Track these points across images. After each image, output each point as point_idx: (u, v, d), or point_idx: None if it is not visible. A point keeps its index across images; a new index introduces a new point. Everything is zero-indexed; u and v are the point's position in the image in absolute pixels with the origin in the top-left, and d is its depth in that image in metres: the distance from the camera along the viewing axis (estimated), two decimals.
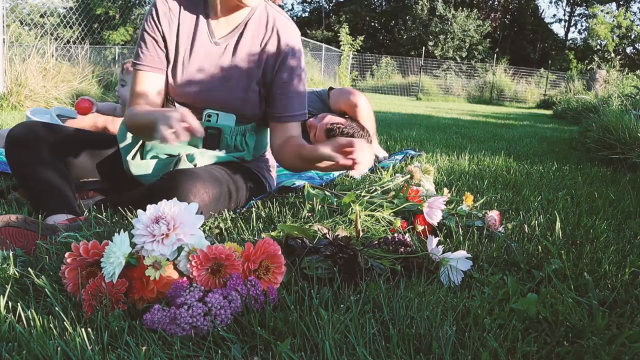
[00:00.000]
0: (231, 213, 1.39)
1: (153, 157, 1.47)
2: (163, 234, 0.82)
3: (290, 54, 1.45)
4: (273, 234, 1.12)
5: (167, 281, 0.80)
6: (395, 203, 1.33)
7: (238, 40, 1.43)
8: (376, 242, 1.07)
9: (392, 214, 1.31)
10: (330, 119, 2.36)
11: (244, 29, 1.43)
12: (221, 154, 1.48)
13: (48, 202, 1.28)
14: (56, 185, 1.31)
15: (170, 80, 1.44)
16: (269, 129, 1.55)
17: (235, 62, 1.43)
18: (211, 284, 0.82)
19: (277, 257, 0.87)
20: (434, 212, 1.26)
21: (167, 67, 1.43)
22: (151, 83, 1.42)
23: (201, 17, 1.42)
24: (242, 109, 1.46)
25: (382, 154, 2.63)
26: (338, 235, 1.07)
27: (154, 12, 1.40)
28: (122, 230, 0.84)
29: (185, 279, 0.83)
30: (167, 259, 0.82)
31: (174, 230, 0.82)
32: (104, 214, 1.32)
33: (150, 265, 0.79)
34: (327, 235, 1.06)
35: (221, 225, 1.27)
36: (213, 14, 1.41)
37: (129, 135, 1.50)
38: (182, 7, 1.41)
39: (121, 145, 1.49)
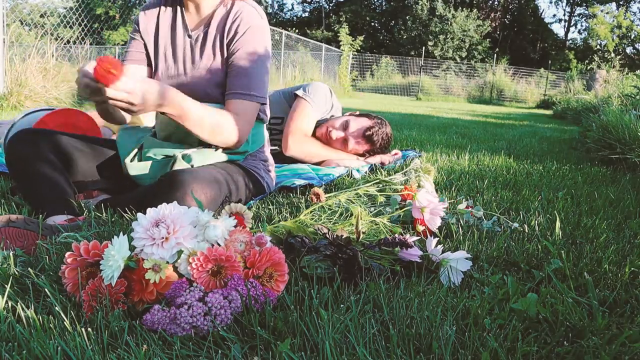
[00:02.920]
0: None
1: (150, 159, 1.47)
2: (163, 238, 0.81)
3: (244, 32, 1.46)
4: (269, 228, 1.12)
5: (167, 283, 0.80)
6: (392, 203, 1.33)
7: (206, 31, 1.50)
8: (376, 242, 1.07)
9: (389, 219, 1.31)
10: (360, 124, 2.33)
11: (211, 19, 1.50)
12: (218, 153, 1.48)
13: (48, 201, 1.28)
14: (57, 184, 1.32)
15: (153, 75, 1.52)
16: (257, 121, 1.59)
17: (205, 52, 1.49)
18: (212, 285, 0.82)
19: (281, 265, 0.87)
20: (434, 218, 1.26)
21: (149, 64, 1.54)
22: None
23: (178, 12, 1.53)
24: (219, 99, 1.48)
25: (391, 159, 2.61)
26: (338, 235, 1.07)
27: (135, 22, 1.56)
28: (121, 231, 0.85)
29: (184, 279, 0.83)
30: (167, 262, 0.82)
31: (174, 234, 0.82)
32: (104, 214, 1.32)
33: (150, 268, 0.79)
34: (327, 235, 1.06)
35: None
36: (185, 5, 1.52)
37: (128, 139, 1.52)
38: (161, 8, 1.53)
39: (120, 148, 1.50)
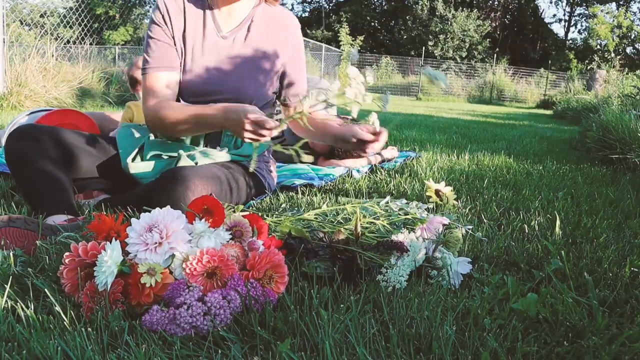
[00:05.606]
0: None
1: (153, 158, 1.47)
2: (156, 243, 0.81)
3: (296, 45, 1.59)
4: (269, 220, 1.12)
5: (164, 285, 0.80)
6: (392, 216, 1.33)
7: (247, 34, 1.51)
8: (375, 244, 1.06)
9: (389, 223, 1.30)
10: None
11: (250, 23, 1.52)
12: (222, 153, 1.48)
13: (48, 199, 1.27)
14: (58, 182, 1.30)
15: (180, 74, 1.49)
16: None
17: (245, 53, 1.51)
18: (209, 287, 0.82)
19: (281, 267, 0.87)
20: (435, 225, 1.25)
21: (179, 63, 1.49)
22: (163, 81, 1.45)
23: (207, 11, 1.50)
24: (250, 98, 1.51)
25: (388, 154, 2.61)
26: (336, 238, 1.06)
27: (155, 18, 1.47)
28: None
29: (182, 279, 0.82)
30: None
31: (167, 239, 0.82)
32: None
33: (145, 272, 0.79)
34: (324, 239, 1.06)
35: None
36: (215, 4, 1.50)
37: (129, 138, 1.50)
38: (185, 6, 1.49)
39: (121, 147, 1.49)
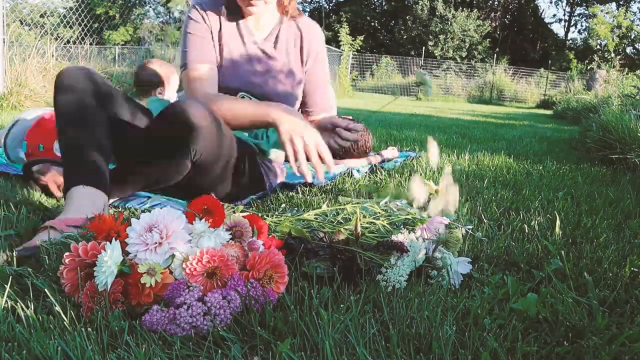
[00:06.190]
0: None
1: None
2: (156, 243, 0.81)
3: (319, 54, 1.66)
4: (269, 220, 1.12)
5: (164, 285, 0.80)
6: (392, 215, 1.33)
7: (275, 44, 1.59)
8: (374, 245, 1.06)
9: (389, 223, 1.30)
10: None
11: (278, 33, 1.59)
12: (243, 133, 1.56)
13: (80, 167, 1.22)
14: (102, 149, 1.25)
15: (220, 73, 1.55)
16: None
17: (276, 63, 1.58)
18: (209, 287, 0.82)
19: (281, 267, 0.87)
20: (435, 225, 1.25)
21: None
22: (207, 72, 1.47)
23: (241, 22, 1.55)
24: (289, 99, 1.58)
25: (389, 154, 2.61)
26: (336, 238, 1.06)
27: (193, 16, 1.49)
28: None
29: (182, 279, 0.82)
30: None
31: (167, 239, 0.82)
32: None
33: (145, 272, 0.79)
34: (324, 239, 1.06)
35: None
36: (244, 15, 1.54)
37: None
38: (222, 11, 1.53)
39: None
